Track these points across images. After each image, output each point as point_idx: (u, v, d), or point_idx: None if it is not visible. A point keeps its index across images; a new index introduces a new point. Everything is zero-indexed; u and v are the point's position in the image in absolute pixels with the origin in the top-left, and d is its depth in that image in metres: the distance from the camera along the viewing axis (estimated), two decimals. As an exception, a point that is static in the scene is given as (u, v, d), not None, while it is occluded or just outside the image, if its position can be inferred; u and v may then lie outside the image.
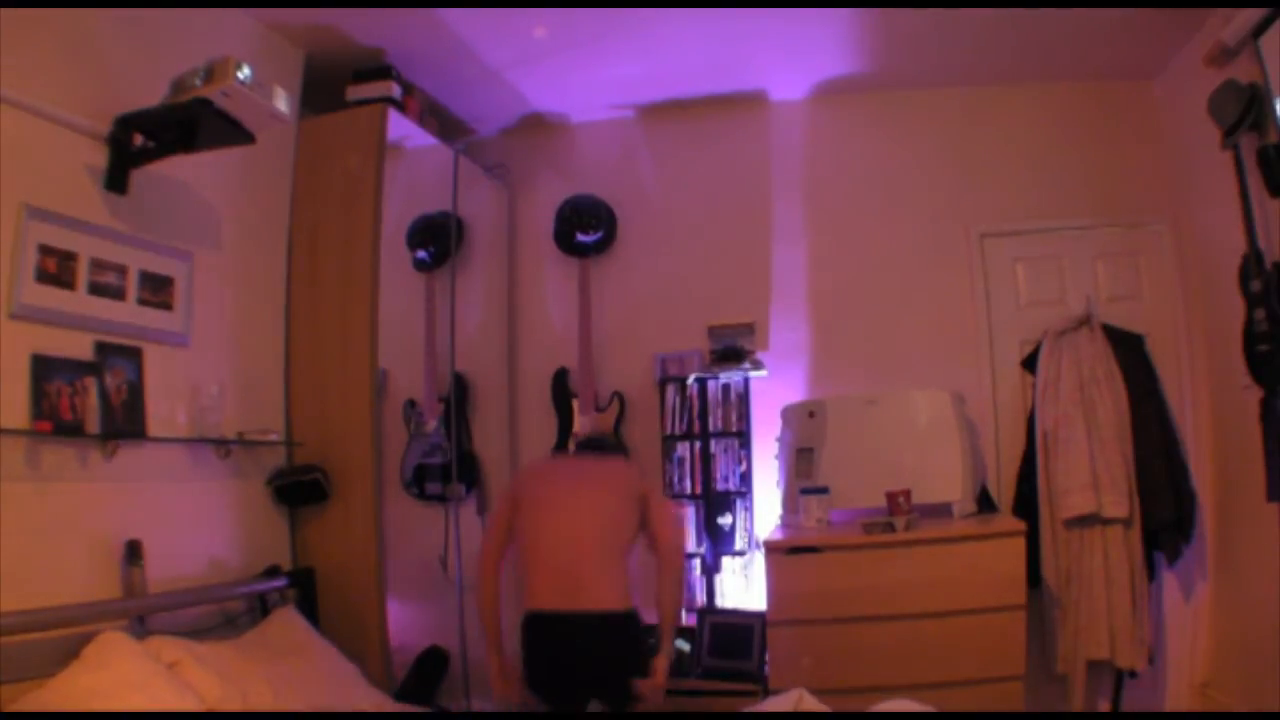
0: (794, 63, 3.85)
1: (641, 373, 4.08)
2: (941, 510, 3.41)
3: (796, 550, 3.16)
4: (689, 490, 3.85)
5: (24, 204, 2.30)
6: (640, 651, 2.69)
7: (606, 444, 3.47)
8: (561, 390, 4.10)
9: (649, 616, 2.73)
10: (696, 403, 3.89)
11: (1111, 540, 3.31)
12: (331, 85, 3.47)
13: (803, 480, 3.54)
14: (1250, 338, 2.95)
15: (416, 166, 3.82)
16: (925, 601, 3.02)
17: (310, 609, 3.03)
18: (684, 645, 3.50)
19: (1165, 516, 3.33)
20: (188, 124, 2.48)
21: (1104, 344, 3.50)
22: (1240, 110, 2.90)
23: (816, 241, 4.09)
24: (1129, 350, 3.53)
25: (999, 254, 3.92)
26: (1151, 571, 3.41)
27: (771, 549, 3.19)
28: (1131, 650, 3.25)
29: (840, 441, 3.54)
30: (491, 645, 2.68)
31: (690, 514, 3.84)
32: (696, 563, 3.81)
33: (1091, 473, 3.32)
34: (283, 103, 2.53)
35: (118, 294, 2.58)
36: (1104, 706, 3.50)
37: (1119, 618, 3.26)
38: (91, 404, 2.39)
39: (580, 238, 4.16)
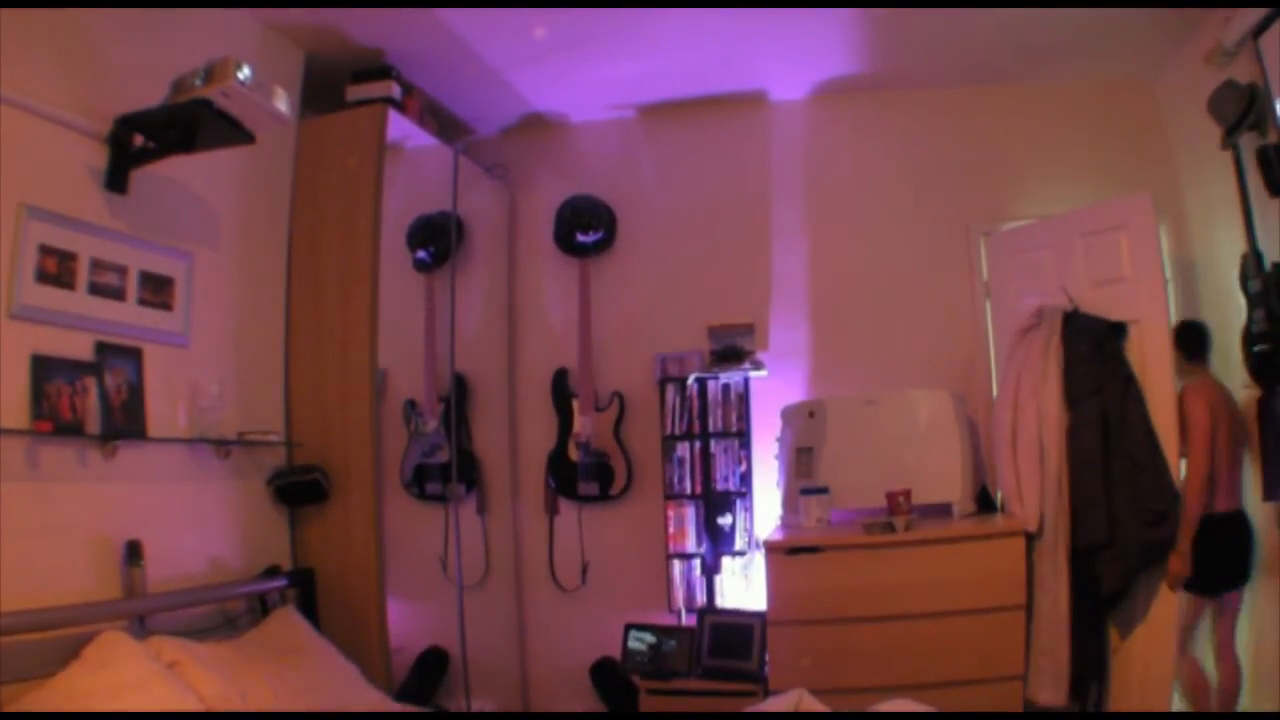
0: (794, 63, 3.85)
1: (641, 373, 4.08)
2: (941, 510, 3.41)
3: (796, 550, 3.16)
4: (689, 490, 3.84)
5: (24, 204, 2.30)
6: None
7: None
8: (561, 390, 4.11)
9: None
10: (696, 403, 3.88)
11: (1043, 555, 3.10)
12: (331, 85, 3.47)
13: (803, 480, 3.54)
14: (1250, 338, 2.95)
15: (416, 166, 3.82)
16: (925, 601, 3.03)
17: (310, 609, 3.03)
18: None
19: (1098, 535, 3.04)
20: (188, 124, 2.49)
21: (1059, 342, 3.26)
22: (1240, 110, 2.91)
23: (816, 241, 4.09)
24: (1101, 345, 3.24)
25: (999, 253, 3.92)
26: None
27: (771, 549, 3.20)
28: (1036, 679, 3.02)
29: (840, 441, 3.54)
30: None
31: (690, 514, 3.84)
32: (696, 563, 3.82)
33: (1016, 481, 3.20)
34: (283, 103, 2.53)
35: (118, 294, 2.58)
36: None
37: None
38: (91, 404, 2.39)
39: (580, 238, 4.16)
